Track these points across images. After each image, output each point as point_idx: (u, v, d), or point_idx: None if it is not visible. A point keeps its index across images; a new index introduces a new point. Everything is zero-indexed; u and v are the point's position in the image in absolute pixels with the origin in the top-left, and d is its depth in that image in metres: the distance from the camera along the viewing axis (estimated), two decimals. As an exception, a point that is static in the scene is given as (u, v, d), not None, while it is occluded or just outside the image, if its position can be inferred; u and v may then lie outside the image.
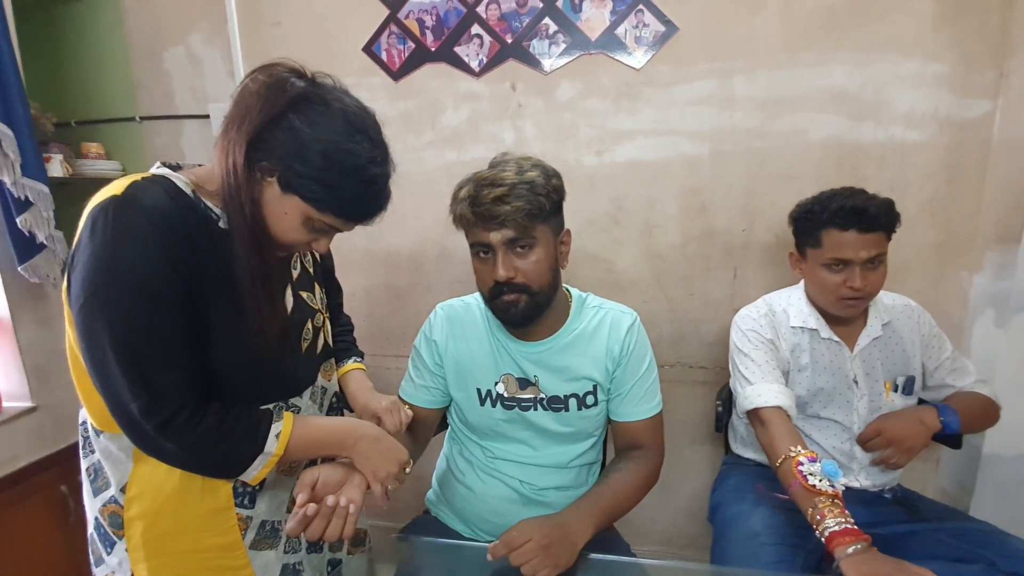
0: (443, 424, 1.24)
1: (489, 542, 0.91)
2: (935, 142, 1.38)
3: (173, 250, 0.70)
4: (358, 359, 1.11)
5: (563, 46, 1.51)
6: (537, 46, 1.52)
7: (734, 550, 1.12)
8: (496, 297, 1.00)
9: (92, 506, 0.86)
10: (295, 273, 0.94)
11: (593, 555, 0.95)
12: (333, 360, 1.06)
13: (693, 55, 1.44)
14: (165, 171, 0.77)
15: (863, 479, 1.18)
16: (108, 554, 0.84)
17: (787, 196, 1.26)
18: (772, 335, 1.22)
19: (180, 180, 0.76)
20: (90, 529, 0.87)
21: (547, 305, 1.03)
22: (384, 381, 1.53)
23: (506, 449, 1.11)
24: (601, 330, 1.09)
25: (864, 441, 1.16)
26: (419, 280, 1.75)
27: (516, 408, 1.08)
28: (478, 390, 1.10)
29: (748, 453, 1.33)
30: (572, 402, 1.08)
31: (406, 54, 1.59)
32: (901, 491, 1.22)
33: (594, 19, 1.47)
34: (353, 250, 1.75)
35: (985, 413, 1.18)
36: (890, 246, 1.15)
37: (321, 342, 0.98)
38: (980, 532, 1.07)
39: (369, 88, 1.63)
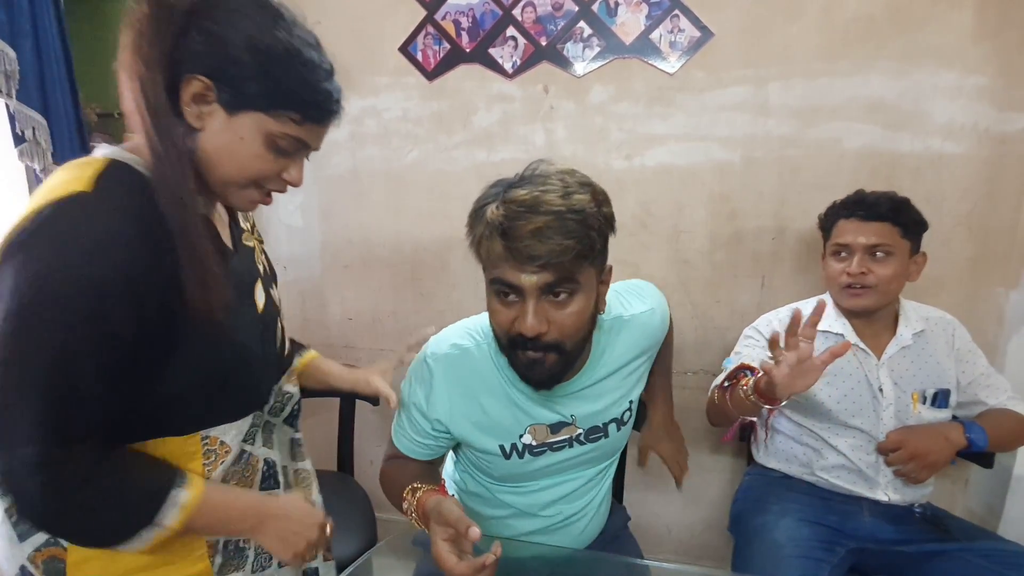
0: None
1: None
2: (973, 155, 1.36)
3: (147, 257, 0.59)
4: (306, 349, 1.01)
5: (597, 50, 1.52)
6: (571, 49, 1.53)
7: (757, 561, 1.12)
8: (515, 349, 0.81)
9: (13, 556, 0.67)
10: (261, 269, 0.82)
11: (616, 556, 0.95)
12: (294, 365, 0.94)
13: (728, 61, 1.44)
14: (118, 153, 0.64)
15: (891, 493, 1.16)
16: None
17: (819, 205, 1.26)
18: None
19: (137, 163, 0.64)
20: None
21: (577, 360, 0.86)
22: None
23: (524, 487, 1.00)
24: (630, 341, 0.96)
25: (885, 451, 1.14)
26: (444, 279, 1.77)
27: (547, 452, 0.94)
28: (501, 447, 0.93)
29: (772, 463, 1.31)
30: (612, 427, 0.97)
31: (441, 55, 1.61)
32: (930, 509, 1.20)
33: (629, 23, 1.48)
34: (382, 247, 1.78)
35: (1017, 431, 1.16)
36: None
37: (287, 345, 0.89)
38: (1010, 553, 1.05)
39: (404, 88, 1.65)
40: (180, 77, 0.60)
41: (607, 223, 0.80)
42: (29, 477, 0.58)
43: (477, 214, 0.79)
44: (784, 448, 1.27)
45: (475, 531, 0.72)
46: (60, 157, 1.47)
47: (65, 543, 0.66)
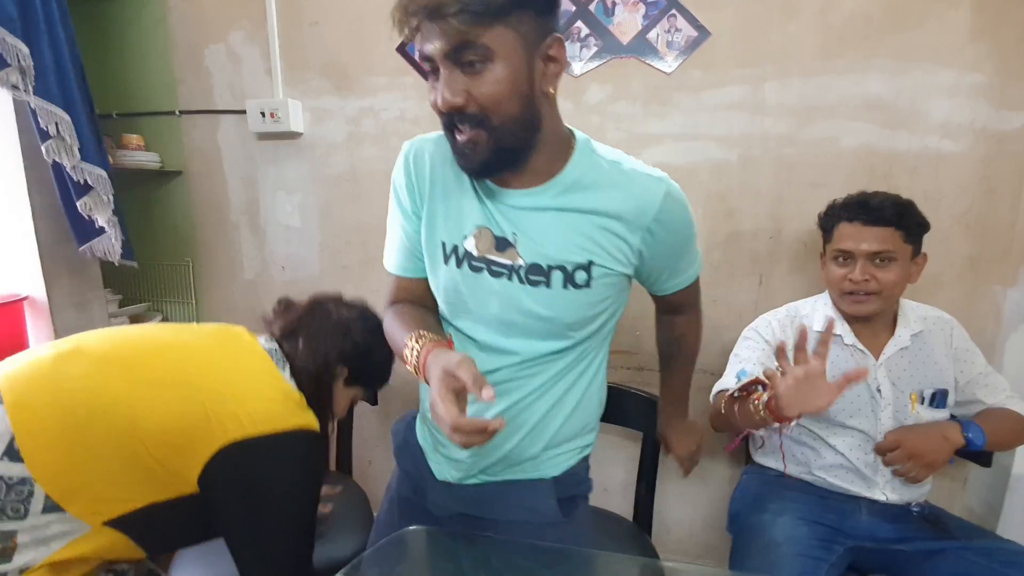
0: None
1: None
2: (971, 153, 1.36)
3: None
4: None
5: (594, 49, 1.52)
6: (568, 49, 1.53)
7: (754, 560, 1.11)
8: (450, 131, 0.76)
9: None
10: None
11: (615, 555, 0.95)
12: None
13: (725, 60, 1.44)
14: (295, 384, 0.94)
15: (889, 492, 1.16)
16: None
17: (817, 204, 1.26)
18: (782, 337, 1.22)
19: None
20: None
21: (522, 148, 0.77)
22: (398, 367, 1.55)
23: (462, 325, 0.90)
24: (616, 195, 0.81)
25: (883, 451, 1.14)
26: (443, 278, 1.77)
27: (484, 271, 0.85)
28: (443, 244, 0.87)
29: (769, 462, 1.31)
30: (556, 276, 0.82)
31: (438, 55, 1.61)
32: (928, 508, 1.20)
33: (626, 23, 1.48)
34: (380, 247, 1.77)
35: (1016, 430, 1.16)
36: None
37: None
38: (1009, 552, 1.05)
39: (401, 88, 1.65)
40: (337, 366, 1.02)
41: None
42: None
43: None
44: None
45: (489, 392, 0.67)
46: (86, 153, 1.48)
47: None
